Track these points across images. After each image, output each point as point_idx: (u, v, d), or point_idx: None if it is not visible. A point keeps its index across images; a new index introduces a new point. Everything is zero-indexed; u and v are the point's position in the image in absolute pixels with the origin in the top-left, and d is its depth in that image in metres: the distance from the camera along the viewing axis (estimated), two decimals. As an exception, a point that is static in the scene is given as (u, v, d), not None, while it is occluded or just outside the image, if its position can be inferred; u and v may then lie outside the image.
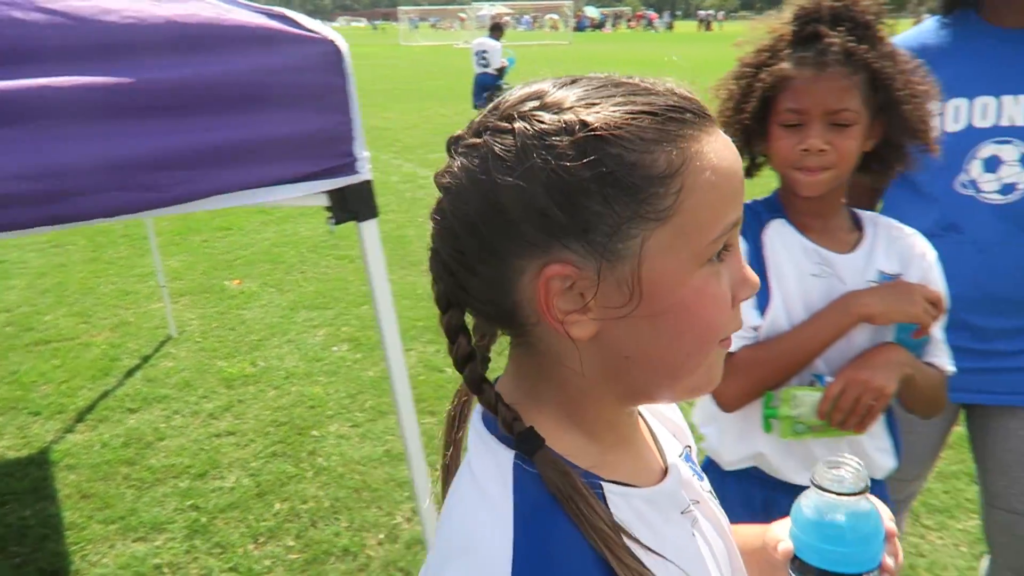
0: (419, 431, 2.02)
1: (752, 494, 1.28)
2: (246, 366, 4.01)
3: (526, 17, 71.02)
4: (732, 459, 1.29)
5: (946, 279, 1.48)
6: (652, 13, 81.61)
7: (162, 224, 6.25)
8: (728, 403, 1.22)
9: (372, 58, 31.92)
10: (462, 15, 62.83)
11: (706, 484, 0.78)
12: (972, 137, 1.46)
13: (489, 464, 0.62)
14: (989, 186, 1.46)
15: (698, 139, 0.57)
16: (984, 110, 1.46)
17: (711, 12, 78.24)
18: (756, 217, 1.25)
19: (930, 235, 1.49)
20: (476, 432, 0.65)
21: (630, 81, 0.60)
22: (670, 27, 67.29)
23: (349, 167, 1.67)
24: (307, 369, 3.97)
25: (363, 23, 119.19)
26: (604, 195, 0.55)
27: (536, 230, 0.56)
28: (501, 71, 10.19)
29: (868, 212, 1.33)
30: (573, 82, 0.59)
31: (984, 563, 1.84)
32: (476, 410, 0.67)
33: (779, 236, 1.23)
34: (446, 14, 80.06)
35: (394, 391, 1.91)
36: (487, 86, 10.20)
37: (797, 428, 1.21)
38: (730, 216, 0.59)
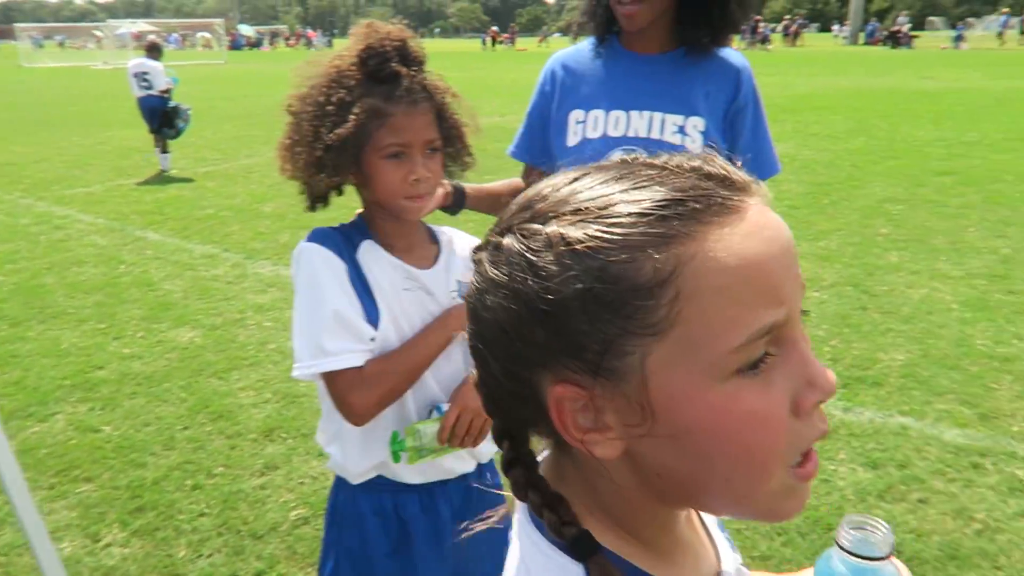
0: (36, 511, 1.82)
1: (383, 502, 1.38)
2: None
3: (174, 36, 66.22)
4: (359, 471, 1.37)
5: None
6: (311, 31, 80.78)
7: None
8: (361, 416, 1.29)
9: (-14, 83, 27.56)
10: (98, 33, 56.77)
11: (739, 556, 0.76)
12: (607, 144, 1.65)
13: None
14: None
15: (705, 235, 0.50)
16: (616, 122, 1.66)
17: (368, 31, 79.17)
18: (349, 240, 1.34)
19: None
20: (527, 536, 0.60)
21: (647, 167, 0.55)
22: (330, 44, 67.23)
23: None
24: (-79, 457, 3.34)
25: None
26: (587, 313, 0.50)
27: (532, 351, 0.53)
28: (167, 92, 9.60)
29: (443, 227, 1.49)
30: (584, 175, 0.55)
31: None
32: (522, 507, 0.62)
33: (371, 256, 1.34)
34: (77, 32, 71.65)
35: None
36: (156, 109, 9.56)
37: (423, 454, 1.35)
38: (761, 318, 0.50)
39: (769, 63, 27.59)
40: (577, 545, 0.56)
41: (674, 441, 0.53)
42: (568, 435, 0.54)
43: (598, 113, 1.68)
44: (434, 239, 1.45)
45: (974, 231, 6.18)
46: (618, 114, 1.66)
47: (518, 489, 0.60)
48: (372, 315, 1.30)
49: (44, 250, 6.43)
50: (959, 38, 39.92)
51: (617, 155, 1.69)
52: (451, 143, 1.36)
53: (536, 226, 0.53)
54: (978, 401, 3.48)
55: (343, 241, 1.33)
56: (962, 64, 25.39)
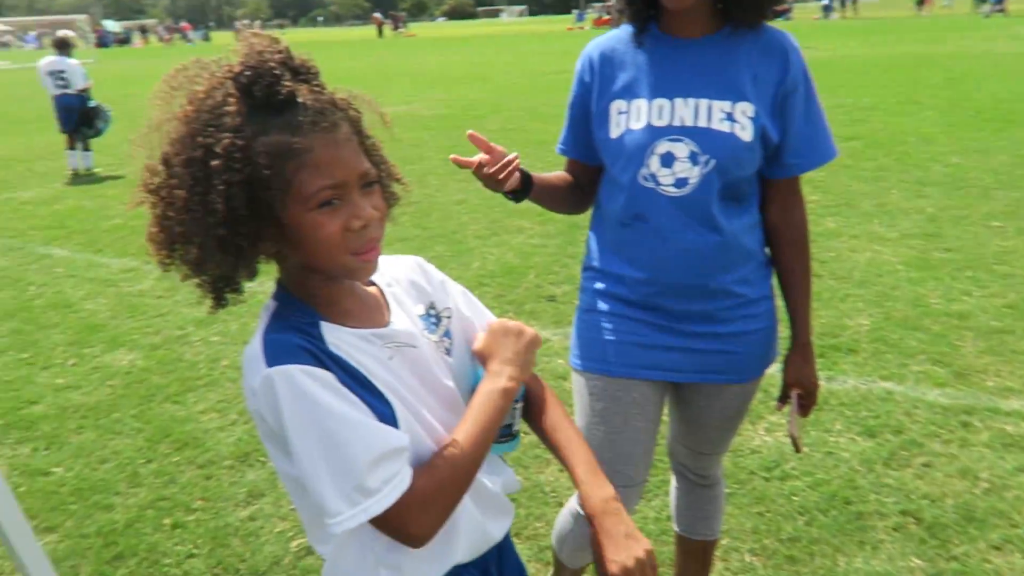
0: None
1: None
2: None
3: (31, 35, 61.85)
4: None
5: (639, 265, 1.65)
6: (184, 24, 76.96)
7: None
8: (424, 538, 1.04)
9: None
10: (-55, 33, 52.31)
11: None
12: (651, 134, 1.56)
13: None
14: (666, 179, 1.57)
15: None
16: (660, 111, 1.57)
17: (247, 22, 76.57)
18: (307, 333, 1.02)
19: (624, 223, 1.65)
20: None
21: None
22: (207, 38, 64.29)
23: None
24: None
25: None
26: None
27: None
28: (85, 90, 9.43)
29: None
30: None
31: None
32: None
33: (339, 339, 1.04)
34: (-79, 34, 65.84)
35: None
36: (73, 108, 9.34)
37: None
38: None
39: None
40: None
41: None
42: None
43: (640, 103, 1.59)
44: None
45: (896, 193, 6.45)
46: (661, 103, 1.58)
47: None
48: (384, 412, 1.03)
49: (-58, 277, 5.82)
50: (828, 8, 41.93)
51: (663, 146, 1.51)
52: (379, 172, 1.09)
53: None
54: (949, 360, 3.60)
55: (305, 340, 1.01)
56: (837, 34, 26.65)
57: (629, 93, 1.61)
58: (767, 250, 1.74)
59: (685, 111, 1.56)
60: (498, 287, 4.95)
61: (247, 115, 0.95)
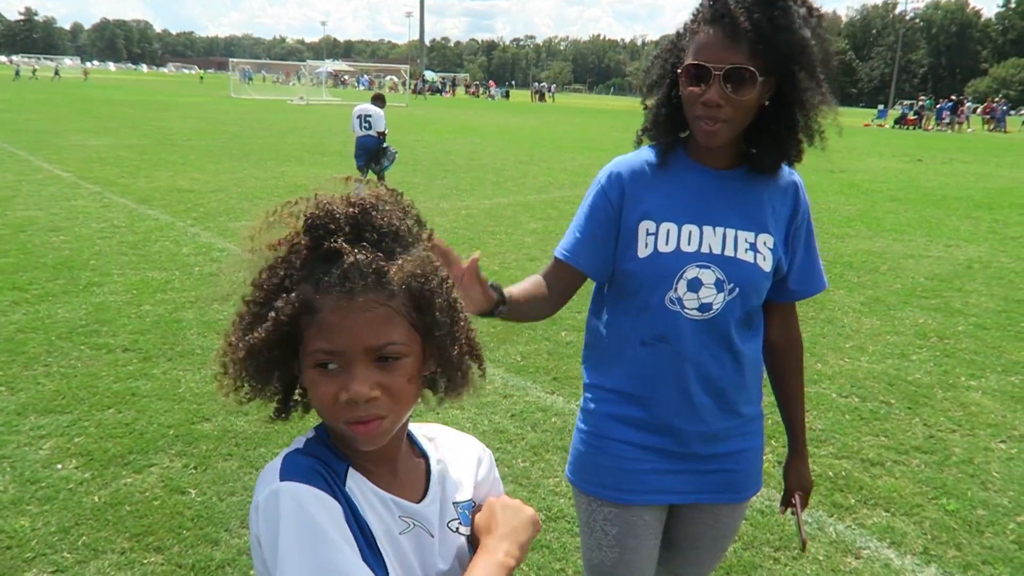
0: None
1: None
2: (-61, 493, 3.33)
3: (365, 77, 71.18)
4: None
5: (656, 384, 1.68)
6: (491, 81, 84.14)
7: None
8: None
9: (198, 109, 30.48)
10: (302, 69, 61.83)
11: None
12: (680, 259, 1.61)
13: None
14: (691, 303, 1.62)
15: None
16: (690, 236, 1.62)
17: (544, 84, 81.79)
18: (330, 467, 1.01)
19: (645, 342, 1.67)
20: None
21: None
22: (507, 96, 69.57)
23: None
24: (17, 494, 3.33)
25: (195, 71, 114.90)
26: None
27: None
28: (382, 134, 11.23)
29: (427, 427, 1.20)
30: None
31: None
32: None
33: (359, 489, 1.02)
34: (281, 68, 78.53)
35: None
36: (370, 148, 11.10)
37: None
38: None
39: (967, 149, 25.48)
40: None
41: None
42: None
43: (669, 226, 1.64)
44: (417, 448, 1.16)
45: None
46: (691, 228, 1.63)
47: None
48: (379, 571, 0.98)
49: (194, 282, 6.66)
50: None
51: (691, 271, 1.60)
52: (441, 355, 1.03)
53: None
54: None
55: (326, 471, 1.00)
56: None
57: (658, 215, 1.64)
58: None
59: (713, 239, 1.62)
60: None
61: (311, 261, 0.97)
